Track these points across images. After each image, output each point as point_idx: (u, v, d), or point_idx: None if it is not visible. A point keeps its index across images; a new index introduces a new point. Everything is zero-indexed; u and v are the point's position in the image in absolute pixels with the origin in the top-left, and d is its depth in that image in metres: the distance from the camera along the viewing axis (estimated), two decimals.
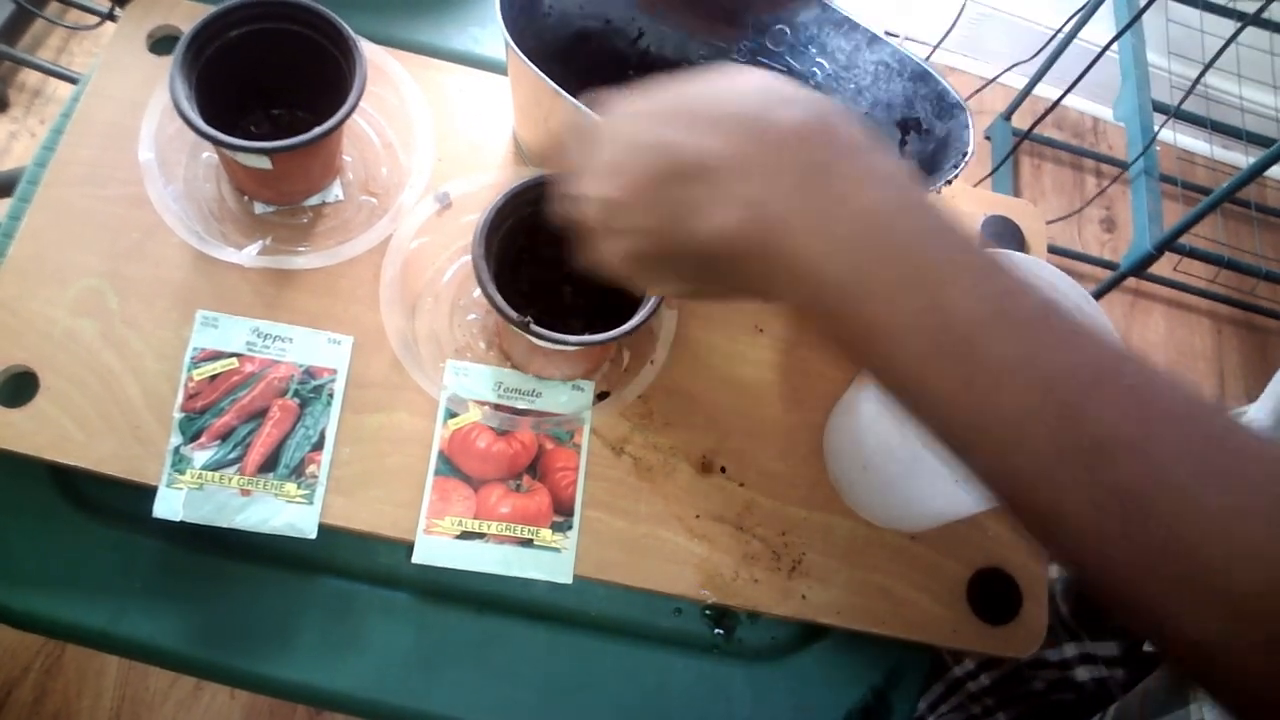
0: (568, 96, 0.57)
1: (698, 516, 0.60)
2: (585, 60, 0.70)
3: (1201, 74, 1.22)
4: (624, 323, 0.54)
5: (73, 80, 1.45)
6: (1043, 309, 0.31)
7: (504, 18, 0.58)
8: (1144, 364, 0.30)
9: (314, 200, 0.64)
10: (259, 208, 0.63)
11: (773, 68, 0.69)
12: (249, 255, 0.61)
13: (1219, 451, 0.29)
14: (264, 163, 0.56)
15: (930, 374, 0.31)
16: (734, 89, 0.35)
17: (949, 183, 0.59)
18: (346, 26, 0.60)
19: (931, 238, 0.31)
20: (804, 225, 0.32)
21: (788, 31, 0.67)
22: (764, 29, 0.67)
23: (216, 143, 0.54)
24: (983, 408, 0.30)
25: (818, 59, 0.67)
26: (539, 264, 0.59)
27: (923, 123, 0.64)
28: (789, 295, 0.34)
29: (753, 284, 0.35)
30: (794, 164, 0.32)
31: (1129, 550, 0.28)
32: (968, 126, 0.61)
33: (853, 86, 0.67)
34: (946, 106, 0.62)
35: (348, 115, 0.57)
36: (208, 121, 0.55)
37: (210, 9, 0.58)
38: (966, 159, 0.59)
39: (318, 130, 0.56)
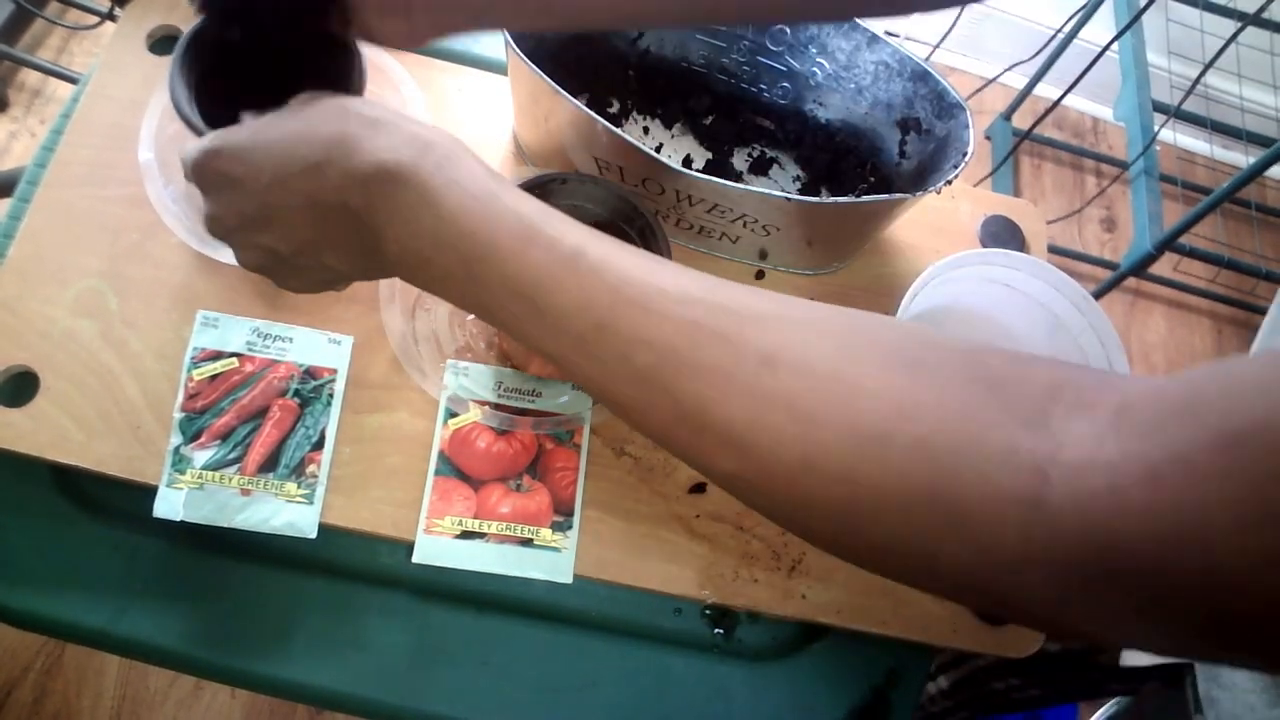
0: (568, 96, 0.57)
1: (698, 516, 0.60)
2: (585, 60, 0.71)
3: (1201, 74, 1.22)
4: None
5: (72, 80, 1.45)
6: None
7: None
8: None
9: None
10: None
11: (772, 68, 0.69)
12: None
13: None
14: None
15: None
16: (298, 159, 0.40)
17: (949, 183, 0.59)
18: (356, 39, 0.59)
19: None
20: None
21: (787, 31, 0.67)
22: (764, 29, 0.67)
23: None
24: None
25: (818, 59, 0.67)
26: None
27: (923, 123, 0.64)
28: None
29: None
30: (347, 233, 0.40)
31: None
32: (968, 126, 0.61)
33: (853, 86, 0.67)
34: (946, 106, 0.62)
35: None
36: (209, 122, 0.55)
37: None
38: (966, 159, 0.59)
39: None
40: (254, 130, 0.41)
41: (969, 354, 0.31)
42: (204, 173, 0.42)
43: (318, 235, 0.41)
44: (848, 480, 0.30)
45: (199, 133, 0.53)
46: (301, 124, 0.40)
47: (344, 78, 0.59)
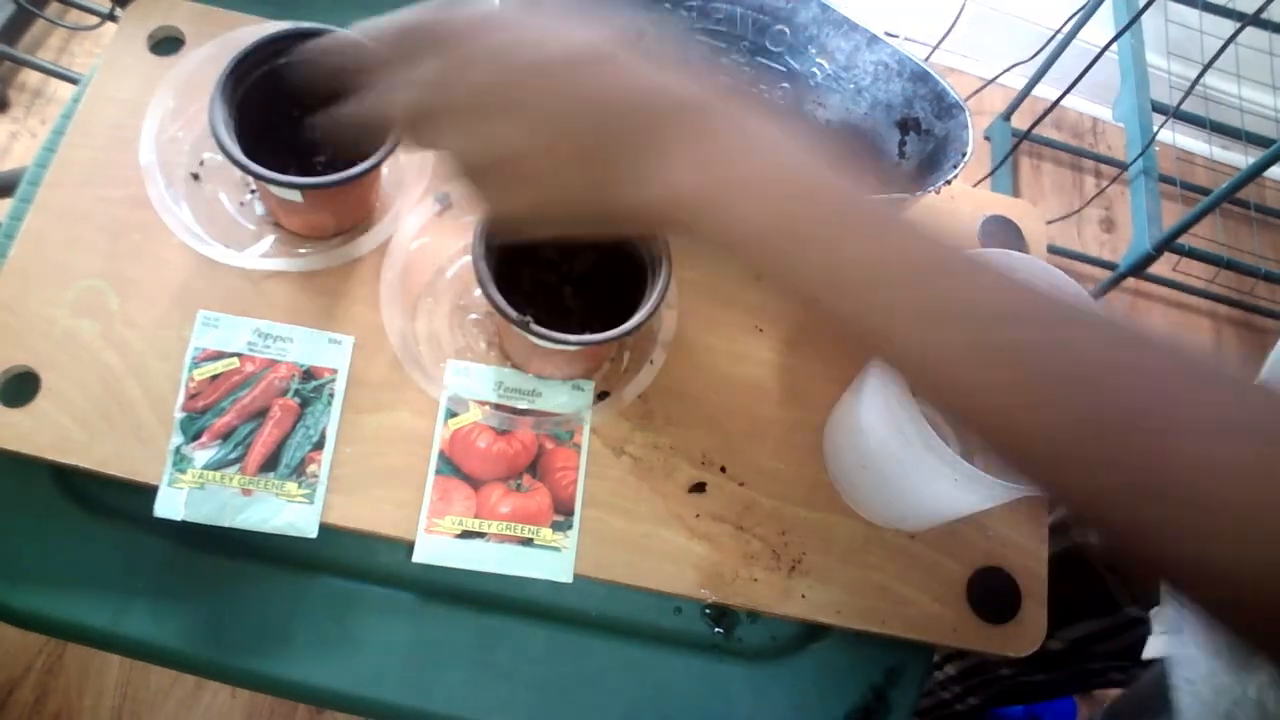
0: None
1: (698, 516, 0.60)
2: None
3: (1201, 74, 1.23)
4: (623, 322, 0.55)
5: (73, 81, 1.45)
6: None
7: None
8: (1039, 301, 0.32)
9: (346, 243, 0.63)
10: (259, 209, 0.64)
11: (772, 68, 0.69)
12: (251, 257, 0.61)
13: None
14: (295, 196, 0.56)
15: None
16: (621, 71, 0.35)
17: (948, 183, 0.59)
18: None
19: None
20: (723, 199, 0.34)
21: (787, 31, 0.67)
22: (764, 29, 0.67)
23: (249, 172, 0.54)
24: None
25: (817, 59, 0.67)
26: (539, 264, 0.60)
27: (922, 123, 0.64)
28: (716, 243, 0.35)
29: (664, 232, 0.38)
30: (697, 138, 0.34)
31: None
32: (967, 126, 0.61)
33: (852, 87, 0.67)
34: (946, 106, 0.62)
35: (382, 160, 0.56)
36: (245, 138, 0.55)
37: (255, 31, 0.58)
38: (965, 159, 0.59)
39: (349, 172, 0.55)
40: (518, 4, 0.35)
41: None
42: (449, 29, 0.35)
43: (578, 135, 0.34)
44: None
45: (236, 163, 0.53)
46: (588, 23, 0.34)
47: None
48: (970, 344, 0.31)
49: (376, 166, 0.56)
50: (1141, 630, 0.58)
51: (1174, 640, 0.50)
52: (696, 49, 0.70)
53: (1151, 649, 0.57)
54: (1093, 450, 0.29)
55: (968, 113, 0.61)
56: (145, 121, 0.63)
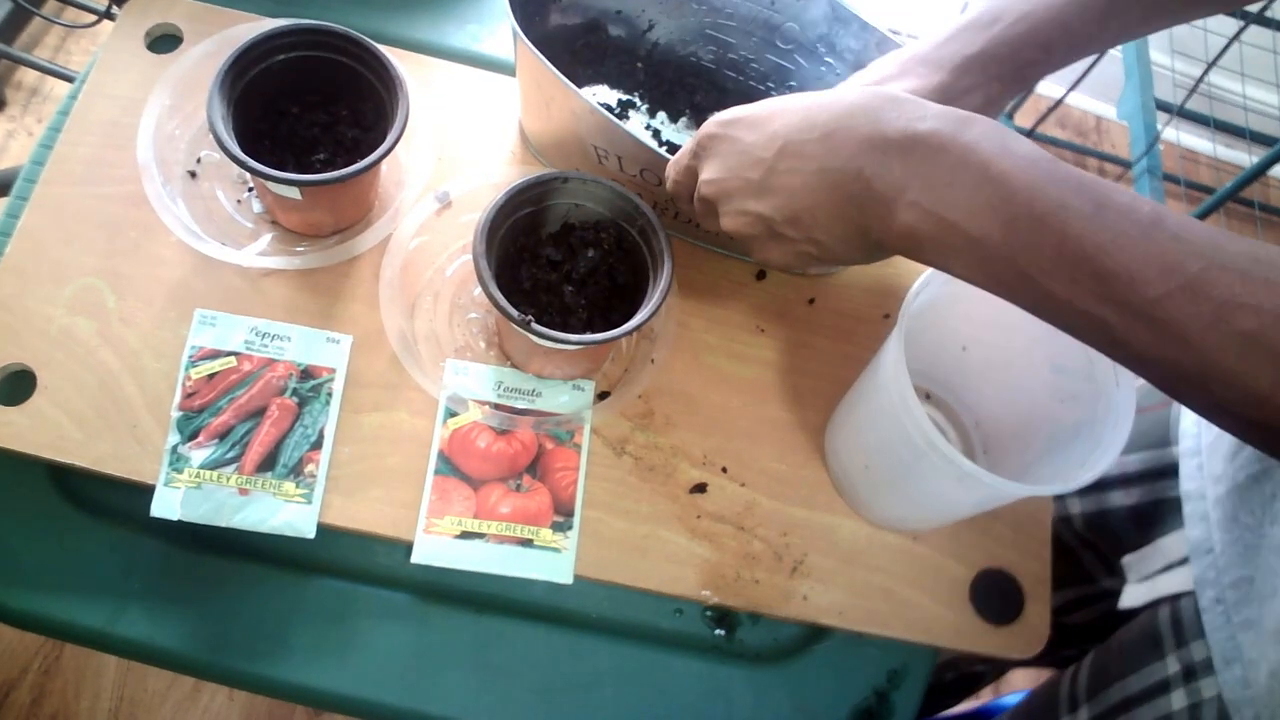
0: (566, 81, 0.57)
1: (699, 517, 0.60)
2: (594, 51, 0.70)
3: (1205, 73, 1.22)
4: (625, 322, 0.54)
5: (70, 79, 1.45)
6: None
7: (511, 3, 0.58)
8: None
9: (344, 241, 0.63)
10: (257, 206, 0.63)
11: (782, 66, 0.69)
12: (248, 255, 0.61)
13: None
14: (293, 193, 0.56)
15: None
16: (853, 107, 0.41)
17: None
18: (392, 61, 0.59)
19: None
20: (946, 205, 0.39)
21: (797, 29, 0.66)
22: (775, 26, 0.67)
23: (247, 169, 0.54)
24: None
25: (826, 58, 0.66)
26: (539, 263, 0.59)
27: None
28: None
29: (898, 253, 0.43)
30: (924, 171, 0.39)
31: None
32: None
33: None
34: None
35: (382, 157, 0.56)
36: (243, 135, 0.55)
37: (252, 29, 0.58)
38: None
39: (348, 169, 0.55)
40: (771, 101, 0.43)
41: None
42: (715, 138, 0.45)
43: (815, 203, 0.42)
44: None
45: (234, 158, 0.53)
46: (822, 96, 0.42)
47: (384, 113, 0.59)
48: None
49: (375, 164, 0.56)
50: (1115, 601, 0.59)
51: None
52: (706, 44, 0.70)
53: (1129, 598, 0.57)
54: None
55: None
56: (142, 119, 0.62)
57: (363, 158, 0.55)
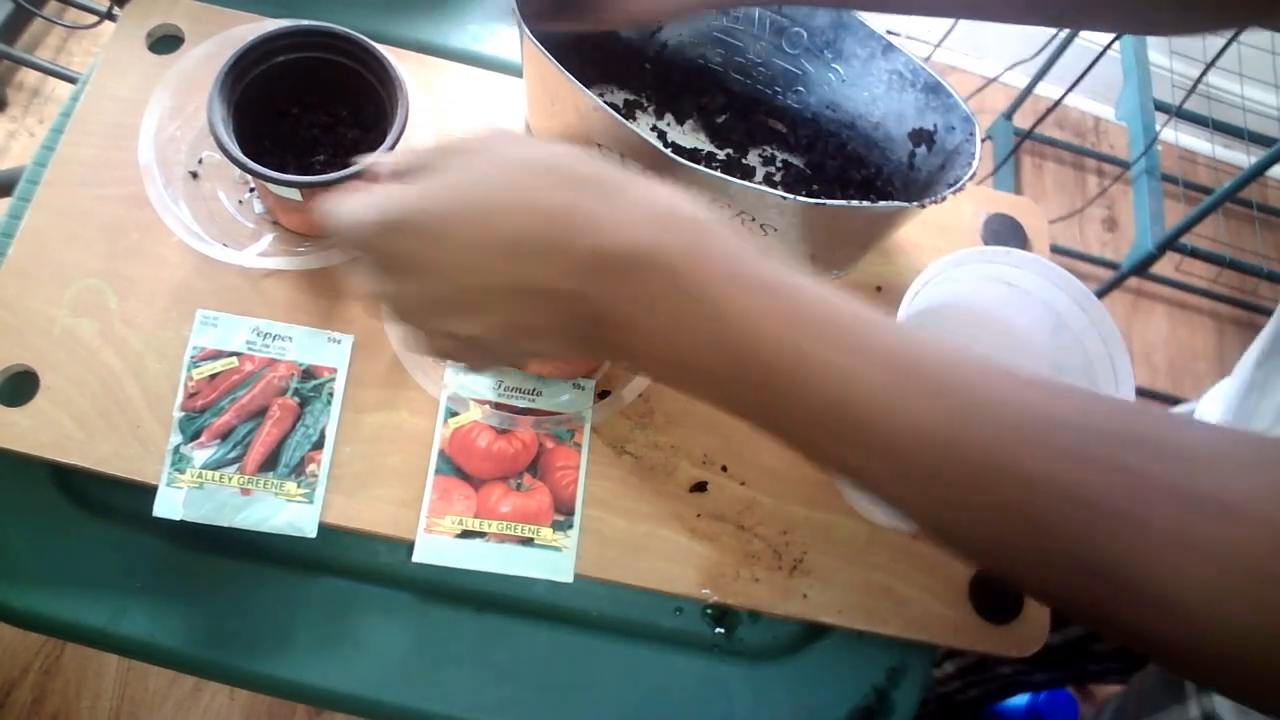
0: (570, 77, 0.57)
1: (699, 515, 0.60)
2: (602, 50, 0.71)
3: (1203, 73, 1.22)
4: None
5: (71, 80, 1.45)
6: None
7: (518, 3, 0.58)
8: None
9: None
10: (258, 207, 0.63)
11: (789, 70, 0.69)
12: (250, 255, 0.61)
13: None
14: (294, 194, 0.56)
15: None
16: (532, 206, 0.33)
17: (944, 198, 0.58)
18: (392, 62, 0.59)
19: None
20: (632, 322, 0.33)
21: (804, 35, 0.67)
22: (781, 30, 0.67)
23: (248, 170, 0.54)
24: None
25: (833, 64, 0.67)
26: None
27: (933, 134, 0.64)
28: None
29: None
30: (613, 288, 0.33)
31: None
32: (973, 137, 0.61)
33: (866, 94, 0.67)
34: (956, 119, 0.62)
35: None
36: (243, 136, 0.55)
37: (254, 29, 0.58)
38: (972, 171, 0.59)
39: (348, 170, 0.55)
40: (444, 196, 0.33)
41: None
42: (383, 249, 0.35)
43: (529, 322, 0.34)
44: None
45: (234, 160, 0.53)
46: (504, 193, 0.33)
47: (383, 115, 0.59)
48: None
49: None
50: None
51: None
52: (714, 47, 0.70)
53: None
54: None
55: (976, 125, 0.61)
56: (144, 120, 0.62)
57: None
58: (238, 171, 0.63)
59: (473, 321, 0.35)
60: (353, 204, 0.35)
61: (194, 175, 0.63)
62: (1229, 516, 0.26)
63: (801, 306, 0.31)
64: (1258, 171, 1.18)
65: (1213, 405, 0.63)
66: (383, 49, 0.60)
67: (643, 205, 0.32)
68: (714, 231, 0.32)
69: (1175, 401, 1.61)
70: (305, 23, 0.59)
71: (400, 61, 0.62)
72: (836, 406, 0.30)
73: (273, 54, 0.59)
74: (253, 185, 0.64)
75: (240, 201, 0.63)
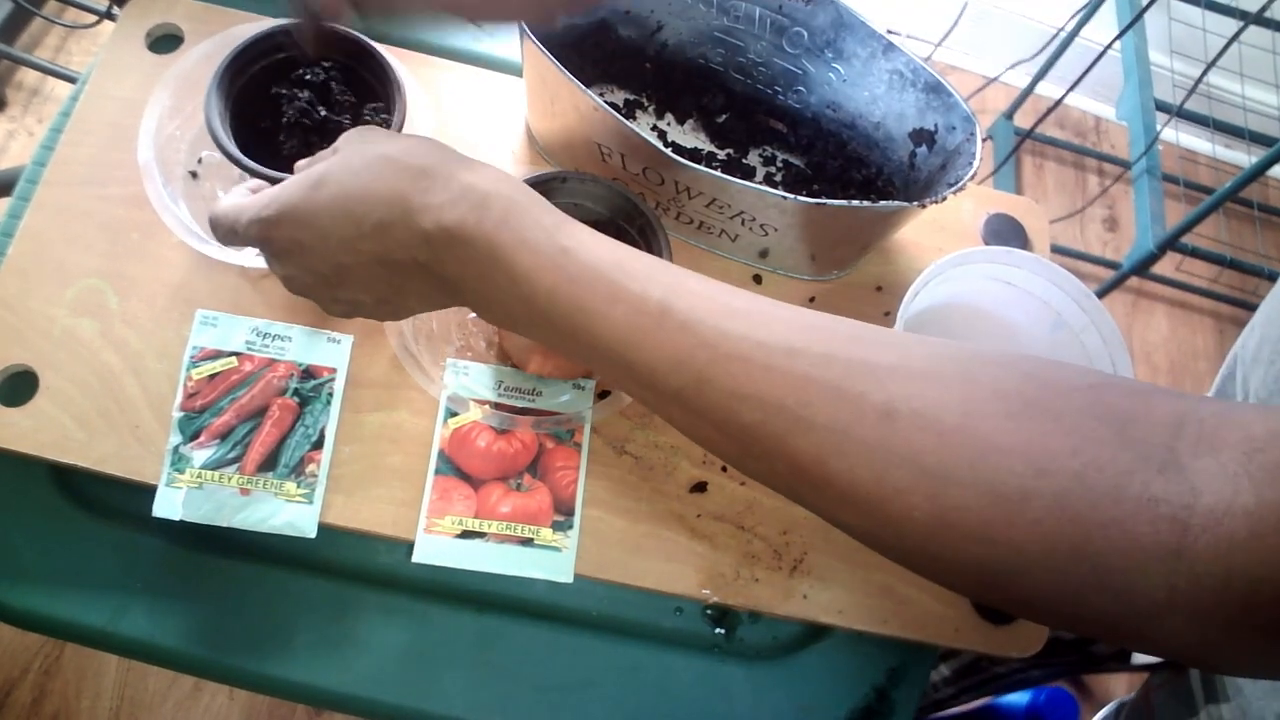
0: (570, 76, 0.57)
1: (699, 515, 0.60)
2: (602, 50, 0.71)
3: (1204, 73, 1.22)
4: None
5: (71, 79, 1.45)
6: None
7: None
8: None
9: None
10: None
11: (790, 70, 0.69)
12: (249, 255, 0.61)
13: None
14: None
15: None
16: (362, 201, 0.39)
17: (945, 198, 0.58)
18: (390, 61, 0.59)
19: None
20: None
21: (805, 34, 0.66)
22: (782, 29, 0.67)
23: (247, 169, 0.54)
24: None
25: (834, 64, 0.67)
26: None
27: (933, 134, 0.64)
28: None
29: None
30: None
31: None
32: (973, 137, 0.60)
33: (866, 94, 0.67)
34: (956, 119, 0.62)
35: None
36: (243, 135, 0.55)
37: (251, 28, 0.58)
38: (972, 171, 0.59)
39: None
40: (306, 192, 0.40)
41: (1089, 390, 0.30)
42: (268, 241, 0.42)
43: (397, 286, 0.41)
44: (986, 539, 0.29)
45: (231, 158, 0.53)
46: (353, 182, 0.39)
47: (381, 86, 0.59)
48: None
49: None
50: None
51: None
52: (715, 47, 0.70)
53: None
54: None
55: (976, 125, 0.61)
56: (143, 120, 0.62)
57: None
58: (237, 171, 0.63)
59: (354, 290, 0.42)
60: (242, 204, 0.43)
61: (193, 175, 0.63)
62: (916, 425, 0.30)
63: (581, 265, 0.36)
64: (1258, 171, 1.17)
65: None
66: (382, 49, 0.60)
67: (464, 188, 0.38)
68: (522, 207, 0.37)
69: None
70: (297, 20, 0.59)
71: (401, 61, 0.62)
72: (610, 347, 0.35)
73: (271, 51, 0.59)
74: (253, 185, 0.63)
75: None
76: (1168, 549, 0.27)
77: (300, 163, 0.44)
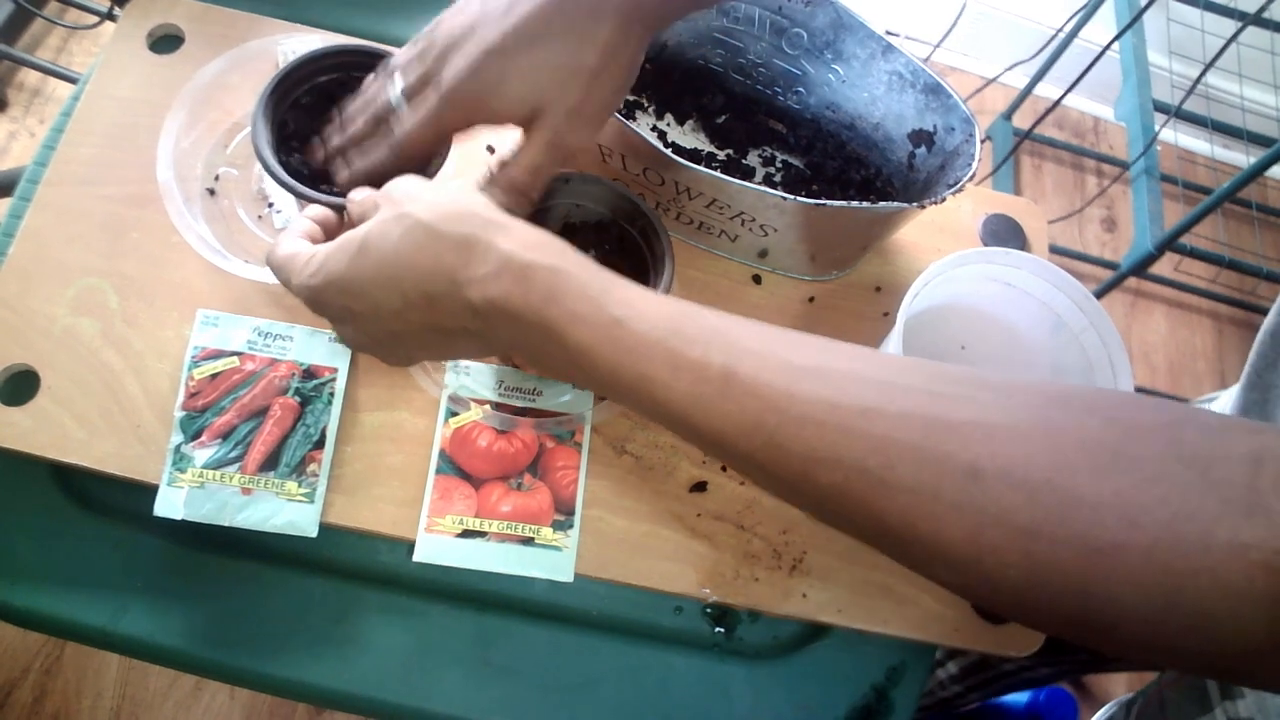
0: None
1: (699, 515, 0.60)
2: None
3: (1202, 74, 1.22)
4: None
5: (72, 80, 1.45)
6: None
7: None
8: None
9: None
10: (279, 221, 0.63)
11: (789, 71, 0.69)
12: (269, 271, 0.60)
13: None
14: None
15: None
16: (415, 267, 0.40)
17: (944, 199, 0.59)
18: None
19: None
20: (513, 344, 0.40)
21: (804, 35, 0.67)
22: (781, 30, 0.67)
23: (295, 193, 0.52)
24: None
25: (833, 65, 0.67)
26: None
27: (932, 135, 0.64)
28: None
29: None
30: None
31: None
32: (972, 138, 0.61)
33: (866, 95, 0.67)
34: (956, 120, 0.62)
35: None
36: (292, 169, 0.53)
37: (263, 45, 0.56)
38: (971, 172, 0.59)
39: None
40: (351, 260, 0.40)
41: (1168, 429, 0.31)
42: (320, 306, 0.43)
43: (452, 346, 0.42)
44: (1081, 593, 0.30)
45: (279, 181, 0.51)
46: (394, 255, 0.39)
47: None
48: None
49: None
50: None
51: None
52: (715, 48, 0.70)
53: None
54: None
55: (976, 126, 0.61)
56: (160, 138, 0.61)
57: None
58: (256, 187, 0.63)
59: (411, 349, 0.43)
60: (292, 262, 0.44)
61: (211, 192, 0.63)
62: (1002, 482, 0.30)
63: (637, 337, 0.36)
64: (1257, 172, 1.18)
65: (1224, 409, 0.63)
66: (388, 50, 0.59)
67: (504, 260, 0.37)
68: (569, 276, 0.37)
69: (1175, 400, 1.60)
70: (346, 43, 0.57)
71: None
72: (678, 415, 0.35)
73: (315, 74, 0.56)
74: (272, 200, 0.63)
75: (259, 217, 0.63)
76: (1262, 594, 0.27)
77: (351, 200, 0.45)
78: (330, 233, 0.47)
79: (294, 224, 0.47)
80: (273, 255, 0.45)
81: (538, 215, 0.59)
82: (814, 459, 0.33)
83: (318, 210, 0.49)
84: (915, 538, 0.32)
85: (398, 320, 0.40)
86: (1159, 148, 1.31)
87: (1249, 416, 0.51)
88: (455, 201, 0.40)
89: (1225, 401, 0.64)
